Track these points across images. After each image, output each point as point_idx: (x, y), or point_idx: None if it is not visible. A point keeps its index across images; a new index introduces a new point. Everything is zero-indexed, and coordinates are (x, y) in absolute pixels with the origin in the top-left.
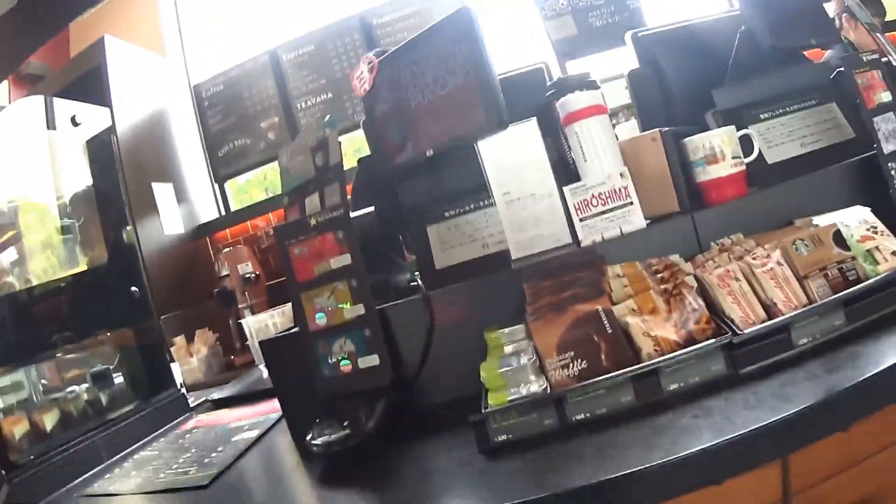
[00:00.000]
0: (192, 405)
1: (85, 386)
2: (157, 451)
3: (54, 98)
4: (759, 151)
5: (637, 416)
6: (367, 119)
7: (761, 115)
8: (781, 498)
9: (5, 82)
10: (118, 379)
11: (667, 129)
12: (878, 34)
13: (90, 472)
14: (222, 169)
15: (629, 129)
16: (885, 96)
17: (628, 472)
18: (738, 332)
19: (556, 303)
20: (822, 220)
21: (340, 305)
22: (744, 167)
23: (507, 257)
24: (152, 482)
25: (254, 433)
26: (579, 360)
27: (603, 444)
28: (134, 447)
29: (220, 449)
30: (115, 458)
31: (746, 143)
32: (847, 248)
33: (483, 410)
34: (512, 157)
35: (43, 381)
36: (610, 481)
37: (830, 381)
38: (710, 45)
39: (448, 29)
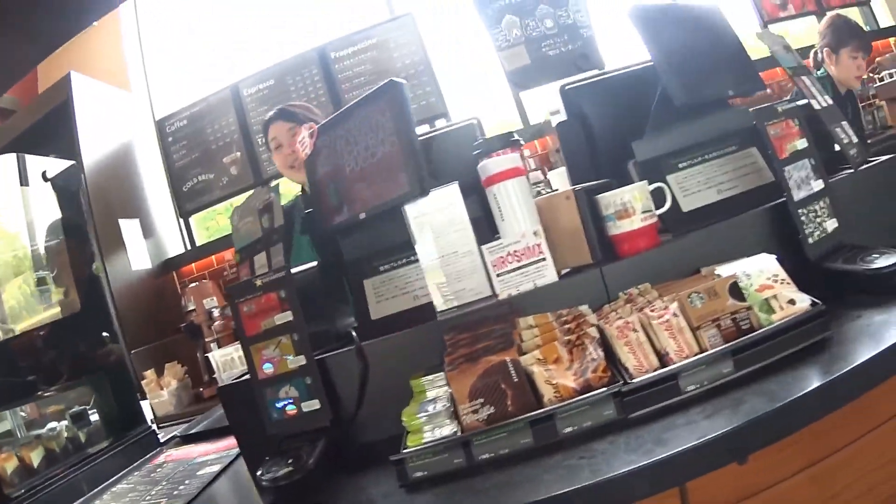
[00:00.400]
0: (161, 440)
1: (65, 424)
2: (132, 485)
3: (27, 155)
4: (675, 200)
5: (534, 455)
6: (309, 181)
7: (679, 165)
8: None
9: None
10: (94, 417)
11: (581, 186)
12: (802, 77)
13: None
14: (187, 203)
15: (560, 175)
16: (801, 144)
17: None
18: (629, 380)
19: (470, 353)
20: (725, 270)
21: (285, 356)
22: (655, 219)
23: (434, 309)
24: None
25: (216, 467)
26: (488, 406)
27: (501, 481)
28: (112, 480)
29: (187, 482)
30: (95, 491)
31: (659, 196)
32: (742, 299)
33: (402, 450)
34: (435, 218)
35: (28, 421)
36: None
37: (706, 425)
38: (636, 95)
39: (378, 100)
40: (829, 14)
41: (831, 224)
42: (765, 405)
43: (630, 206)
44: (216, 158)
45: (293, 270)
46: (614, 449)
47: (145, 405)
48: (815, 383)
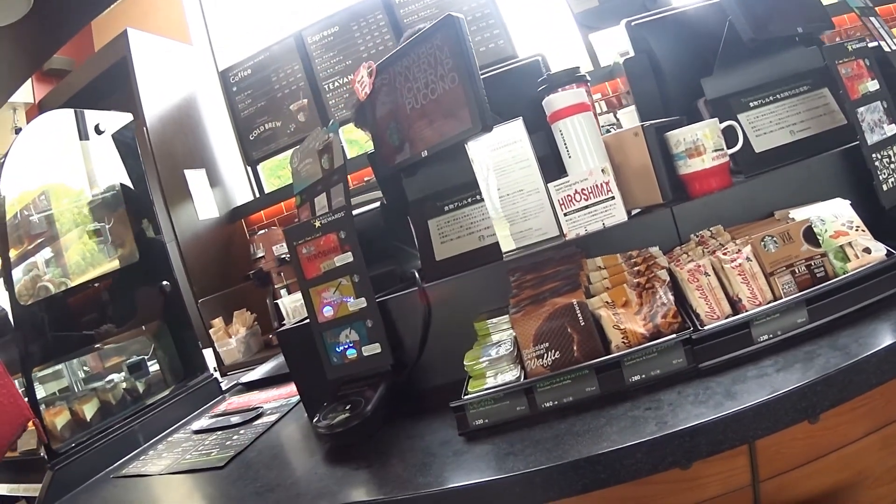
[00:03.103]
0: (224, 388)
1: (122, 375)
2: (187, 434)
3: (85, 110)
4: (747, 140)
5: (598, 404)
6: (370, 120)
7: (751, 104)
8: (750, 482)
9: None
10: (153, 367)
11: (650, 123)
12: (870, 18)
13: (127, 456)
14: (254, 152)
15: (629, 114)
16: (872, 85)
17: (572, 460)
18: (701, 327)
19: (536, 295)
20: (799, 214)
21: (345, 299)
22: (727, 159)
23: (500, 249)
24: (178, 463)
25: (274, 416)
26: (553, 351)
27: (562, 431)
28: (170, 430)
29: (241, 431)
30: (150, 442)
31: (731, 134)
32: (818, 245)
33: (463, 397)
34: (500, 155)
35: (82, 373)
36: (557, 467)
37: (778, 379)
38: (703, 32)
39: (436, 37)
40: None
41: None
42: (839, 360)
43: (701, 144)
44: (282, 106)
45: (354, 212)
46: (682, 400)
47: (208, 353)
48: (891, 340)
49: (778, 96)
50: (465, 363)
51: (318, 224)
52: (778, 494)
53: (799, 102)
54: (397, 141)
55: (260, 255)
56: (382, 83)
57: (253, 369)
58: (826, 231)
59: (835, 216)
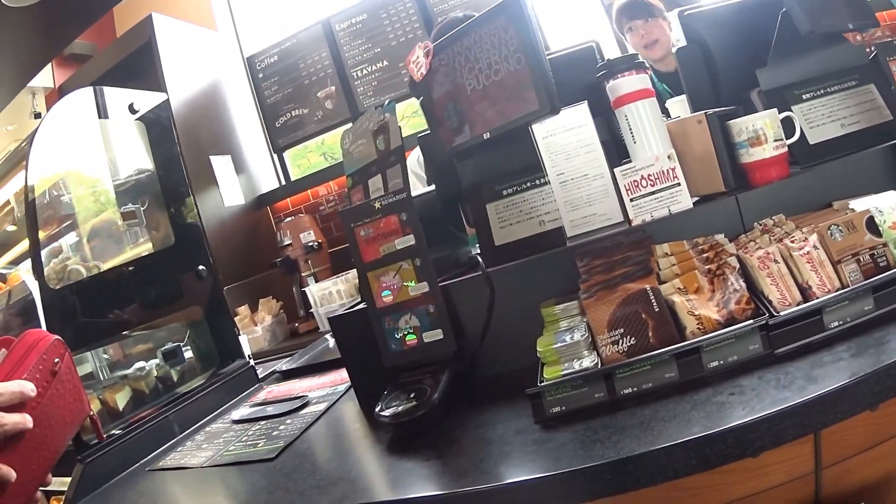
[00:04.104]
0: (260, 376)
1: (155, 363)
2: (227, 424)
3: (106, 88)
4: (802, 131)
5: (679, 391)
6: (424, 102)
7: (803, 96)
8: (813, 470)
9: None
10: (188, 354)
11: (712, 111)
12: None
13: (163, 447)
14: (280, 139)
15: (679, 103)
16: None
17: (668, 444)
18: (775, 313)
19: (607, 281)
20: (858, 205)
21: (406, 283)
22: (785, 149)
23: (563, 235)
24: (222, 455)
25: (322, 405)
26: (628, 337)
27: (646, 417)
28: (207, 419)
29: (287, 421)
30: (187, 432)
31: (788, 125)
32: (879, 235)
33: (539, 383)
34: (564, 139)
35: (113, 361)
36: (651, 453)
37: (855, 364)
38: (756, 24)
39: (500, 16)
40: None
41: None
42: None
43: (762, 134)
44: (309, 93)
45: None
46: (764, 385)
47: (243, 340)
48: None
49: (828, 90)
50: (538, 349)
51: (377, 205)
52: (838, 482)
53: (847, 97)
54: (456, 123)
55: (287, 242)
56: (440, 64)
57: (282, 357)
58: (885, 221)
59: (892, 207)
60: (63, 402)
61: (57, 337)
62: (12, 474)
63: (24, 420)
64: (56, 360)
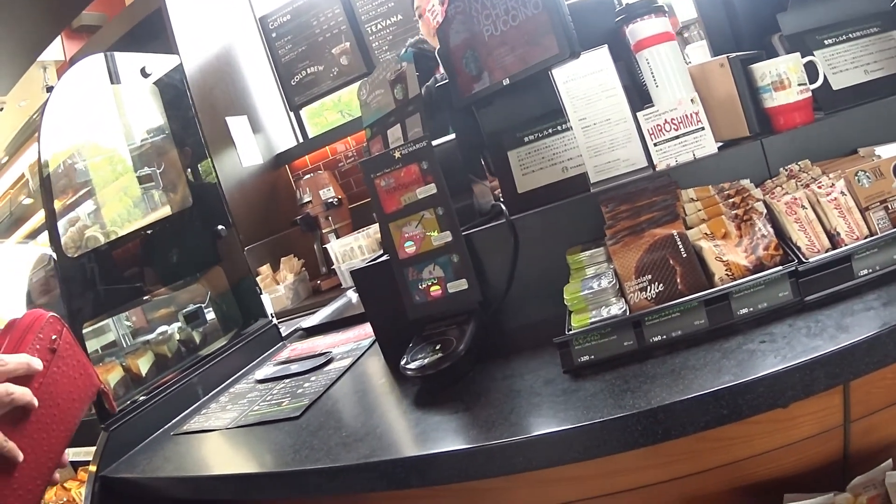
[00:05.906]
0: (283, 335)
1: (177, 326)
2: (251, 384)
3: (117, 53)
4: (826, 77)
5: (709, 338)
6: (441, 50)
7: (826, 41)
8: (841, 423)
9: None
10: (210, 316)
11: (734, 54)
12: None
13: (187, 410)
14: (296, 97)
15: (699, 48)
16: None
17: (700, 393)
18: (805, 260)
19: (633, 226)
20: (884, 151)
21: (428, 233)
22: (810, 94)
23: (586, 181)
24: (246, 416)
25: (346, 361)
26: (656, 283)
27: (677, 365)
28: (229, 381)
29: (312, 378)
30: (211, 394)
31: (811, 70)
32: None
33: (567, 332)
34: (586, 84)
35: (135, 327)
36: (683, 402)
37: (886, 313)
38: None
39: None
40: None
41: None
42: None
43: (786, 78)
44: (324, 50)
45: None
46: (795, 333)
47: (265, 299)
48: None
49: (850, 35)
50: (565, 297)
51: (398, 155)
52: (866, 436)
53: (870, 43)
54: (475, 70)
55: (307, 199)
56: (456, 11)
57: (306, 315)
58: None
59: None
60: (67, 378)
61: (52, 314)
62: (20, 455)
63: (31, 396)
64: (53, 336)
